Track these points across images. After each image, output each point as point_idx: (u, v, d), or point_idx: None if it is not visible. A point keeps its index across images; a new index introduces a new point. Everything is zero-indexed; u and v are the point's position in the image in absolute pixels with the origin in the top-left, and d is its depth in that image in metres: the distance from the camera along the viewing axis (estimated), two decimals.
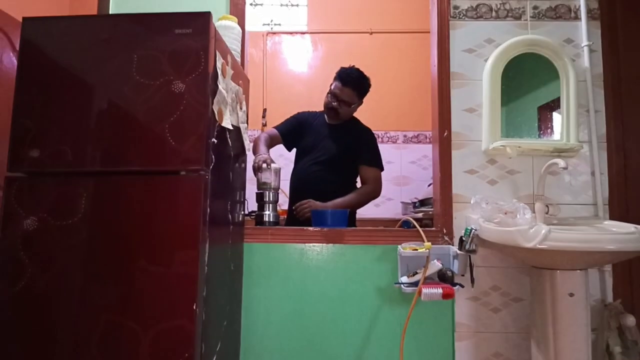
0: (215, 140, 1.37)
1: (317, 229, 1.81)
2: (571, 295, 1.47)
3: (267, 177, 1.93)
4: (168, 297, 1.23)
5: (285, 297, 1.79)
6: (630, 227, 1.43)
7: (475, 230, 1.61)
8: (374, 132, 2.31)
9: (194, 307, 1.22)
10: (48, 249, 1.27)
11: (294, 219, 2.10)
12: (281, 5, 3.93)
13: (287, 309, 1.78)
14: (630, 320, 1.63)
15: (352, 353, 1.76)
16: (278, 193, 1.96)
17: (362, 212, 2.28)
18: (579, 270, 1.48)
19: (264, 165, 1.93)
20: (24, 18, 1.39)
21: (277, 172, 1.97)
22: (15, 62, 1.78)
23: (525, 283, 1.75)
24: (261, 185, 1.94)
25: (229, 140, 1.53)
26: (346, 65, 2.24)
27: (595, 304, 1.74)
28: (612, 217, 1.77)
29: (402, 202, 3.40)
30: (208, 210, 1.31)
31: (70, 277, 1.26)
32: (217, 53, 1.38)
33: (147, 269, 1.25)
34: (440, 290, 1.59)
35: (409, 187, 3.66)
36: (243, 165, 1.78)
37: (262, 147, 2.18)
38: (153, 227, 1.27)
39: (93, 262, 1.27)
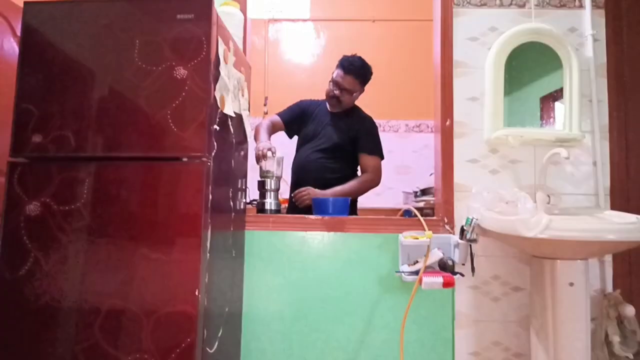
0: (217, 127, 1.37)
1: (318, 217, 1.82)
2: (571, 284, 1.47)
3: (270, 165, 1.93)
4: (170, 283, 1.24)
5: (285, 284, 1.80)
6: (631, 217, 1.43)
7: (477, 219, 1.62)
8: (375, 121, 2.30)
9: (196, 294, 1.23)
10: (51, 233, 1.27)
11: (295, 206, 2.11)
12: None
13: (287, 296, 1.79)
14: (629, 310, 1.64)
15: (352, 341, 1.77)
16: (280, 181, 1.97)
17: (363, 202, 2.28)
18: (579, 260, 1.48)
19: (269, 153, 1.93)
20: (25, 3, 1.38)
21: (280, 161, 1.97)
22: (16, 47, 1.78)
23: (525, 272, 1.76)
24: (264, 174, 1.94)
25: (230, 127, 1.53)
26: (348, 53, 2.23)
27: (595, 294, 1.75)
28: (613, 207, 1.77)
29: (404, 192, 3.41)
30: (210, 197, 1.31)
31: (73, 262, 1.27)
32: (219, 39, 1.38)
33: (149, 255, 1.25)
34: (440, 279, 1.60)
35: (410, 176, 3.66)
36: (244, 152, 1.78)
37: (264, 135, 2.18)
38: (155, 213, 1.27)
39: (95, 247, 1.27)
